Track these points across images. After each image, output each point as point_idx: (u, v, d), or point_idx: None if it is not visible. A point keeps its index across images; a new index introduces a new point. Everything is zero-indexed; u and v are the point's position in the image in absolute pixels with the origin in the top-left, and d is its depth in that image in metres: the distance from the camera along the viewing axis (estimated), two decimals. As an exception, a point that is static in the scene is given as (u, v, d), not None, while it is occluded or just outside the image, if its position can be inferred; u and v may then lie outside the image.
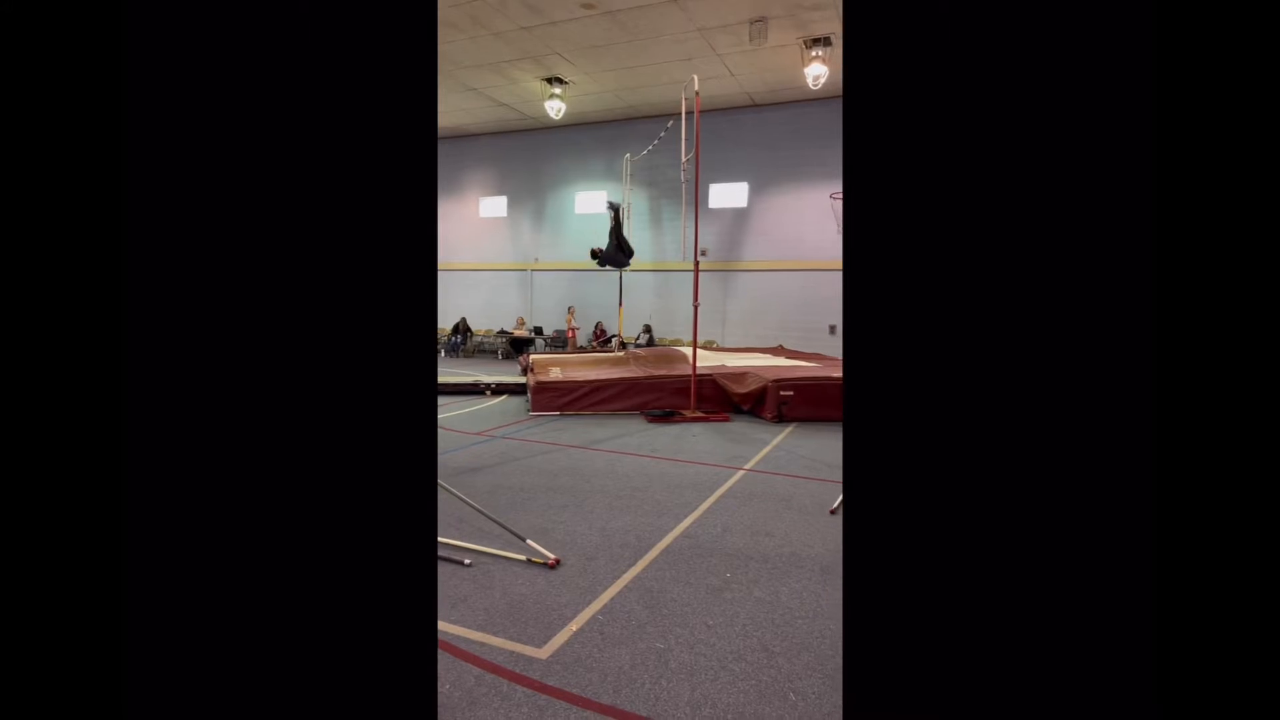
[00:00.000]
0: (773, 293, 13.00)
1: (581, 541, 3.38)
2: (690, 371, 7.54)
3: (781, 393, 7.13)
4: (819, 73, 9.94)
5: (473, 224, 15.83)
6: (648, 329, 13.88)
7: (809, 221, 12.45)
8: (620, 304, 11.55)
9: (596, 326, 14.31)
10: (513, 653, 2.28)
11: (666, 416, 7.11)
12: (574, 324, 14.19)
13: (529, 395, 7.82)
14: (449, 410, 7.48)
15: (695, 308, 7.69)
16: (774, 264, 12.97)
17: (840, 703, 2.02)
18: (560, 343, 14.32)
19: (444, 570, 2.97)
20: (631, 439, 6.11)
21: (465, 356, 14.83)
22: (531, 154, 15.07)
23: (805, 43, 9.70)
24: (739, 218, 13.34)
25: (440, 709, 1.93)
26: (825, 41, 9.59)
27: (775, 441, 6.08)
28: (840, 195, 10.92)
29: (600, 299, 14.16)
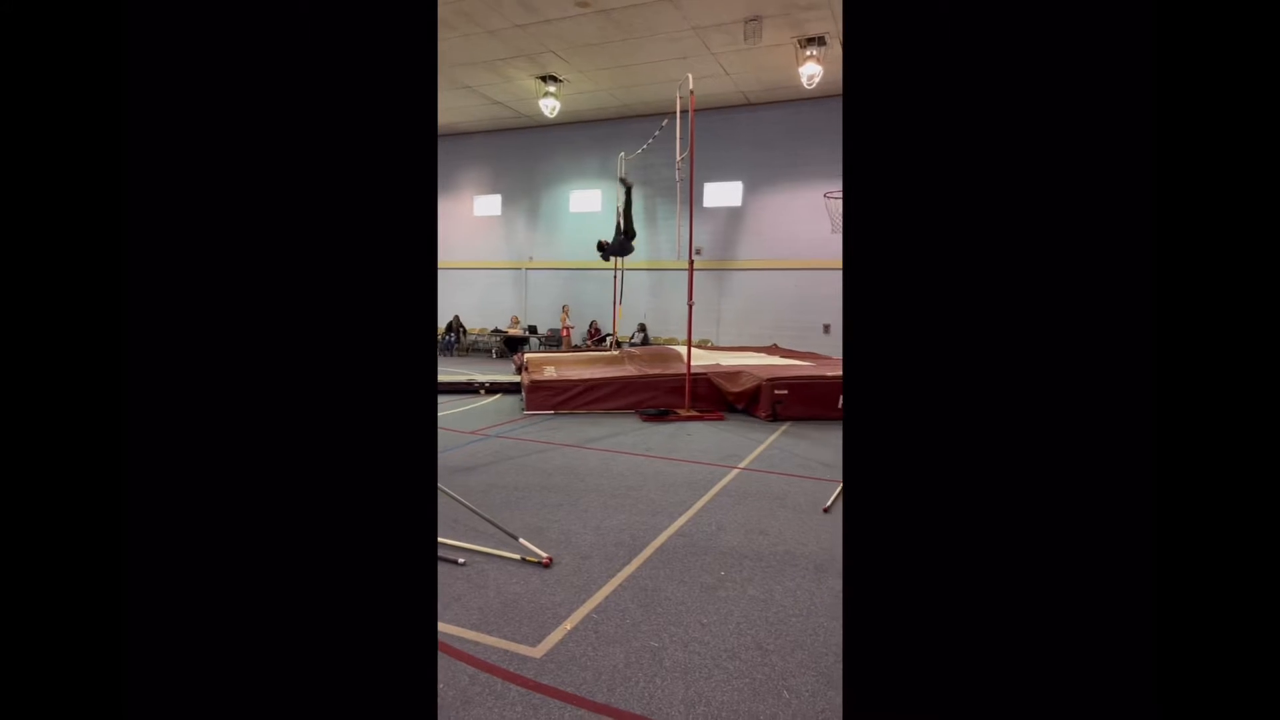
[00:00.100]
0: (767, 292, 13.03)
1: (576, 540, 3.37)
2: (685, 370, 7.55)
3: (776, 391, 7.14)
4: (813, 72, 9.96)
5: (467, 222, 15.80)
6: (642, 328, 13.88)
7: (803, 221, 12.47)
8: (620, 301, 11.54)
9: (591, 325, 14.30)
10: (507, 651, 2.28)
11: (661, 415, 7.11)
12: (568, 323, 14.18)
13: (523, 394, 7.81)
14: (443, 409, 7.46)
15: (690, 307, 7.70)
16: (768, 263, 12.99)
17: (834, 700, 2.03)
18: (555, 341, 14.31)
19: (438, 570, 2.96)
20: (626, 438, 6.11)
21: (459, 355, 14.80)
22: (526, 152, 15.04)
23: (800, 42, 9.71)
24: (734, 217, 13.35)
25: (434, 708, 1.93)
26: (820, 41, 9.61)
27: (769, 440, 6.09)
28: (834, 195, 10.94)
29: (595, 298, 14.16)
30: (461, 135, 15.34)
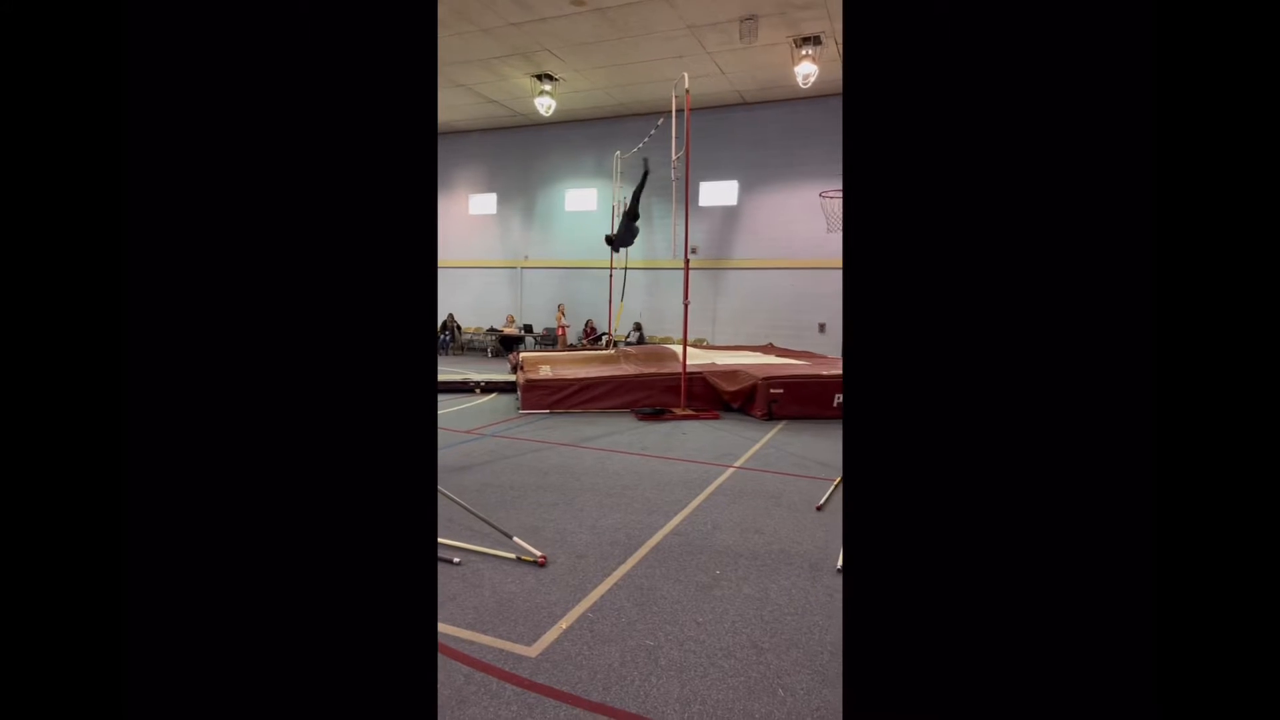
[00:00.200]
0: (763, 291, 13.04)
1: (571, 539, 3.37)
2: (680, 369, 7.55)
3: (771, 391, 7.15)
4: (809, 71, 9.97)
5: (462, 221, 15.76)
6: (638, 327, 13.88)
7: (799, 220, 12.48)
8: (621, 298, 11.53)
9: (587, 324, 14.29)
10: (502, 651, 2.28)
11: (657, 414, 7.11)
12: (564, 322, 14.17)
13: (519, 393, 7.80)
14: (438, 408, 7.45)
15: (686, 306, 7.70)
16: (764, 262, 13.00)
17: (829, 698, 2.03)
18: (550, 340, 14.30)
19: (433, 569, 2.96)
20: (621, 437, 6.11)
21: (454, 354, 14.77)
22: (521, 151, 15.01)
23: (795, 41, 9.72)
24: (729, 216, 13.36)
25: (429, 708, 1.93)
26: (815, 40, 9.62)
27: (765, 439, 6.10)
28: (830, 194, 10.96)
29: (590, 297, 14.14)
30: (457, 134, 15.30)
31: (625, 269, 10.97)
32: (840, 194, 10.08)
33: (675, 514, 3.83)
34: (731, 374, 7.72)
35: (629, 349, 10.45)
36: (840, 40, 9.39)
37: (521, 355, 10.08)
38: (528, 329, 14.70)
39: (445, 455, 5.20)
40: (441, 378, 9.36)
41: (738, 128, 12.94)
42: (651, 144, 9.78)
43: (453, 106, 13.36)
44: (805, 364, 8.92)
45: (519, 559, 3.06)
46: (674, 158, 8.41)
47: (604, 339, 13.13)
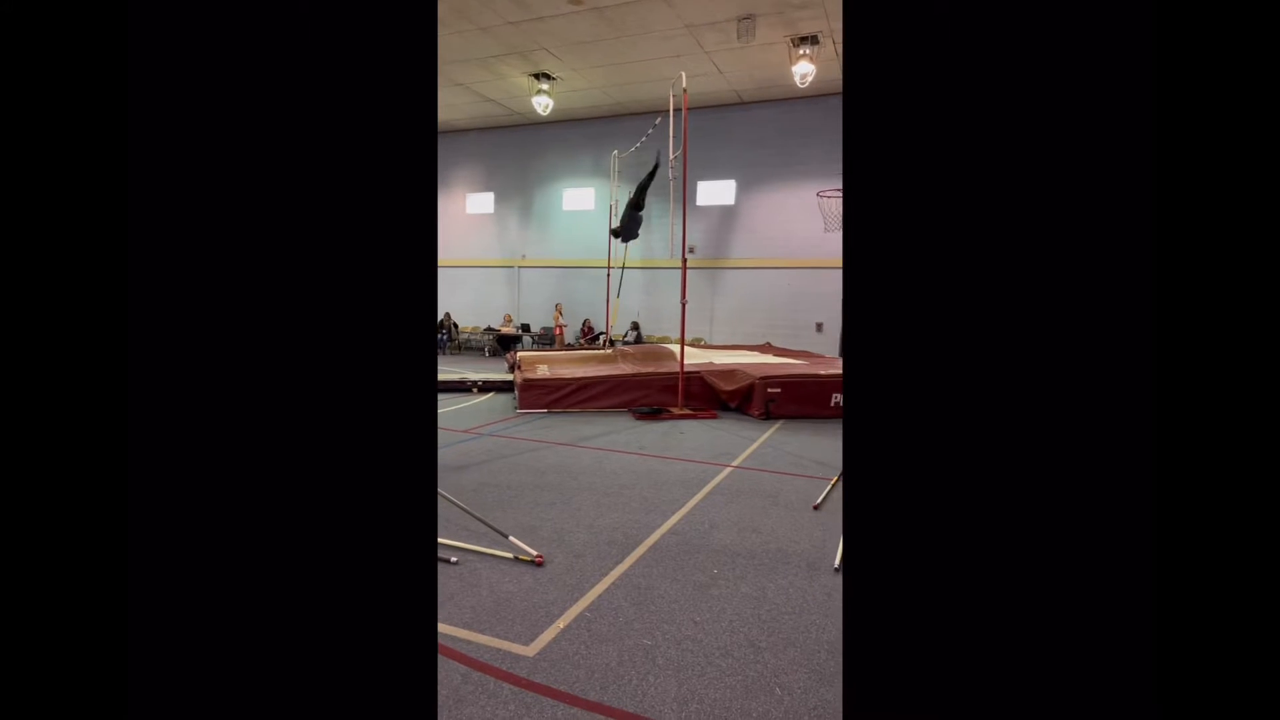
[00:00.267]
0: (760, 290, 13.05)
1: (569, 539, 3.37)
2: (678, 369, 7.55)
3: (769, 390, 7.16)
4: (806, 71, 9.98)
5: (459, 220, 15.74)
6: (635, 326, 13.88)
7: (797, 219, 12.49)
8: (618, 296, 11.51)
9: (584, 324, 14.28)
10: (500, 650, 2.28)
11: (654, 414, 7.11)
12: (561, 321, 14.16)
13: (516, 392, 7.79)
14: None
15: (683, 305, 7.70)
16: (762, 261, 13.01)
17: (826, 697, 2.04)
18: (548, 340, 14.29)
19: (430, 568, 2.96)
20: (619, 436, 6.11)
21: (452, 354, 14.76)
22: (519, 150, 15.00)
23: (793, 41, 9.73)
24: (727, 215, 13.36)
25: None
26: (813, 40, 9.62)
27: (762, 438, 6.11)
28: (827, 193, 10.96)
29: (588, 296, 14.14)
30: (454, 133, 15.28)
31: (623, 268, 10.96)
32: (838, 193, 10.10)
33: (673, 513, 3.83)
34: (729, 373, 7.72)
35: (626, 348, 10.45)
36: (838, 40, 9.40)
37: (519, 354, 10.08)
38: (525, 328, 14.69)
39: (442, 454, 5.19)
40: (439, 377, 9.35)
41: (735, 127, 12.95)
42: (649, 143, 9.78)
43: (450, 105, 13.34)
44: (802, 363, 8.92)
45: (516, 559, 3.06)
46: (671, 157, 8.41)
47: (601, 338, 13.13)
